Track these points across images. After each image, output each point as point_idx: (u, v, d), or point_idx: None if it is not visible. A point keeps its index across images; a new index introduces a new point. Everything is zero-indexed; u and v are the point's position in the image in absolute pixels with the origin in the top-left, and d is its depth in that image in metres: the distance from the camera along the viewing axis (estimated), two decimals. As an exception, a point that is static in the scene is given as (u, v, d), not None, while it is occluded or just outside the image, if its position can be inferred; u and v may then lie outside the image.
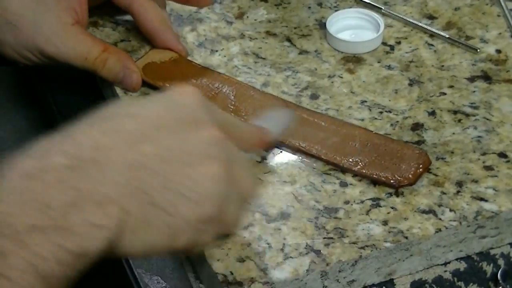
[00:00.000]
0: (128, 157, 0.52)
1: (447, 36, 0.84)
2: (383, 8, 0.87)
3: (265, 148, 0.62)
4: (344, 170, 0.72)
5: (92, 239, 0.50)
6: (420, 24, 0.85)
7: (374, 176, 0.71)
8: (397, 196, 0.70)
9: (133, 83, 0.79)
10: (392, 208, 0.69)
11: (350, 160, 0.72)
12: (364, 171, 0.71)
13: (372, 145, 0.73)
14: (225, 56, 0.83)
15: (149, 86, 0.80)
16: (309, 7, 0.89)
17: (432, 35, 0.85)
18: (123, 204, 0.52)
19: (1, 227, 0.49)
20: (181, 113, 0.56)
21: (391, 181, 0.70)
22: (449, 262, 0.69)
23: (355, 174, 0.72)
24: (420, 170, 0.71)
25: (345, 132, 0.75)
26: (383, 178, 0.71)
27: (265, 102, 0.77)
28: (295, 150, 0.74)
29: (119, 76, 0.79)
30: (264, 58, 0.83)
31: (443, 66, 0.82)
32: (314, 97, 0.79)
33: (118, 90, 0.80)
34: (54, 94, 0.86)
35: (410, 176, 0.70)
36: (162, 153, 0.54)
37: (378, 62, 0.82)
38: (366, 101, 0.78)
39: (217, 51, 0.84)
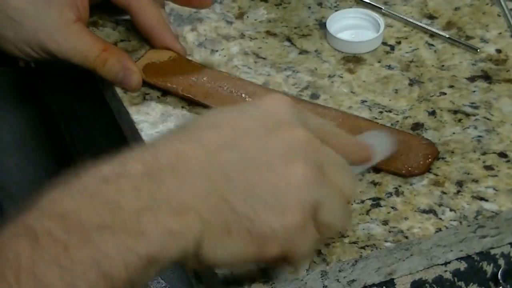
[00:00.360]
0: (208, 165, 0.51)
1: (447, 36, 0.84)
2: (383, 8, 0.87)
3: (364, 167, 0.60)
4: None
5: (165, 246, 0.49)
6: (420, 24, 0.85)
7: (383, 166, 0.71)
8: (397, 195, 0.70)
9: (133, 84, 0.79)
10: (392, 207, 0.69)
11: None
12: None
13: None
14: (225, 56, 0.83)
15: (150, 86, 0.80)
16: (309, 7, 0.88)
17: (432, 35, 0.85)
18: (201, 213, 0.50)
19: (68, 222, 0.48)
20: (267, 120, 0.53)
21: (402, 171, 0.71)
22: (449, 262, 0.69)
23: None
24: (429, 160, 0.71)
25: (350, 124, 0.75)
26: (393, 168, 0.71)
27: None
28: None
29: (119, 76, 0.78)
30: (264, 58, 0.83)
31: (443, 66, 0.82)
32: (314, 97, 0.79)
33: (119, 90, 0.80)
34: (54, 95, 0.86)
35: (420, 165, 0.71)
36: (243, 159, 0.51)
37: (378, 62, 0.82)
38: (366, 101, 0.78)
39: (217, 51, 0.84)
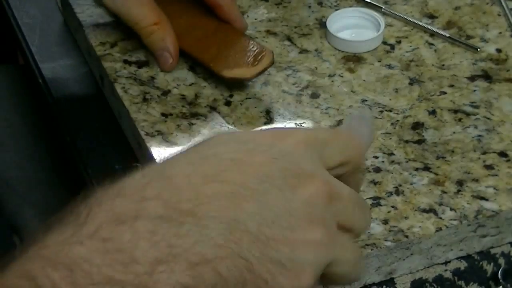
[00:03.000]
0: (229, 214, 0.48)
1: (448, 35, 0.84)
2: (383, 7, 0.87)
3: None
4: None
5: None
6: (420, 23, 0.85)
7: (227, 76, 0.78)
8: (398, 195, 0.70)
9: (166, 67, 0.81)
10: (392, 207, 0.69)
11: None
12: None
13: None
14: (225, 55, 0.83)
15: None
16: (310, 6, 0.88)
17: (433, 34, 0.85)
18: (218, 268, 0.47)
19: (76, 275, 0.44)
20: (286, 163, 0.51)
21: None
22: (449, 261, 0.69)
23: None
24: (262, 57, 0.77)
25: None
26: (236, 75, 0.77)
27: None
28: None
29: (156, 53, 0.81)
30: (264, 57, 0.83)
31: (443, 65, 0.82)
32: (314, 96, 0.79)
33: (119, 90, 0.79)
34: (52, 92, 0.86)
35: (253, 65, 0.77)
36: (265, 214, 0.49)
37: (379, 61, 0.82)
38: (366, 100, 0.78)
39: (217, 50, 0.84)
